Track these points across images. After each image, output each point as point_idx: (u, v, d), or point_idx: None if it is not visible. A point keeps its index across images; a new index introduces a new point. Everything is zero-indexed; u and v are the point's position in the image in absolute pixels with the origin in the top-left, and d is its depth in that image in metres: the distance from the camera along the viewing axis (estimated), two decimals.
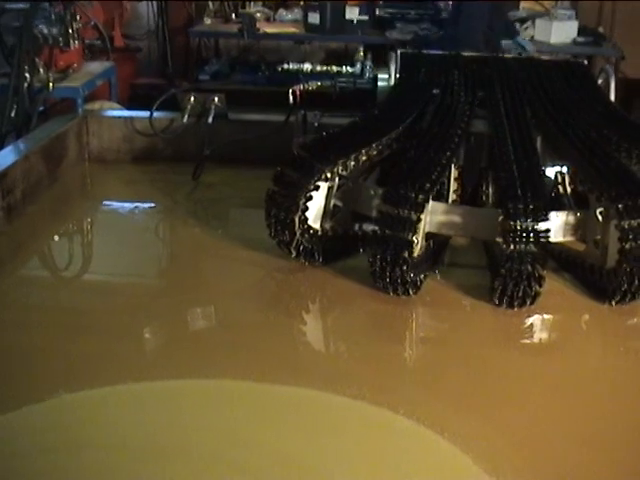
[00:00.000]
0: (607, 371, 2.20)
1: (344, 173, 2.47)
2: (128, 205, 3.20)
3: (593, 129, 2.64)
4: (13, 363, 2.00)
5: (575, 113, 2.74)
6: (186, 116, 3.48)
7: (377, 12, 6.94)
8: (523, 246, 2.24)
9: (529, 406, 1.95)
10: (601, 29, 7.57)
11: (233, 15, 7.31)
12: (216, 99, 3.49)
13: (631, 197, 2.31)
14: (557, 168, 2.71)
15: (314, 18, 6.65)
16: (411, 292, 2.36)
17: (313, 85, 3.15)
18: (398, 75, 2.87)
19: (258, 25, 6.73)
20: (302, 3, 7.20)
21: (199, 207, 3.18)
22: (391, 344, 2.23)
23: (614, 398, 2.03)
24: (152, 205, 3.22)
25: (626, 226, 2.29)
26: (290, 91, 3.16)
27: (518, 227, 2.23)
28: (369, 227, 2.65)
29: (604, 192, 2.35)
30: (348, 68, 3.09)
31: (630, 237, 2.29)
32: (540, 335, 2.38)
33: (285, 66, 3.23)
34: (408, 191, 2.24)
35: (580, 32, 7.21)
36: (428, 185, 2.27)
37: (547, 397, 2.00)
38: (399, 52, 3.04)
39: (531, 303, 2.33)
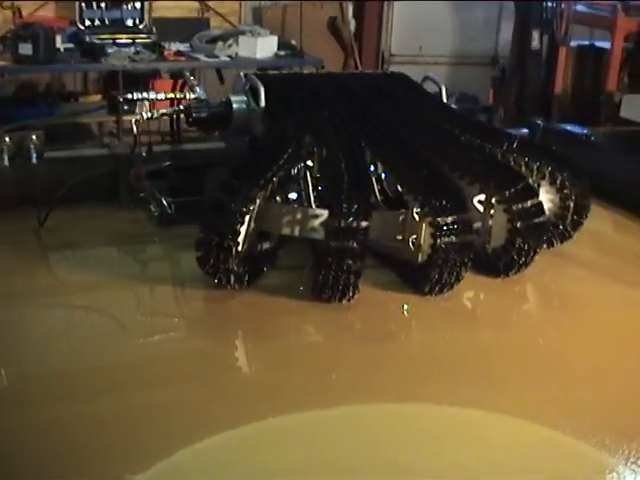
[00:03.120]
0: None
1: (264, 194, 2.49)
2: None
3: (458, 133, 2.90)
4: None
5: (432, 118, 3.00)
6: (6, 158, 3.24)
7: (87, 39, 6.81)
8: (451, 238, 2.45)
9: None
10: (293, 42, 7.99)
11: None
12: (34, 137, 3.29)
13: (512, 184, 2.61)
14: None
15: (26, 49, 6.37)
16: (353, 296, 2.47)
17: (157, 114, 3.08)
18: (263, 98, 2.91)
19: None
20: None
21: (64, 253, 2.99)
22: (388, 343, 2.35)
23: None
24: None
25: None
26: (133, 121, 3.07)
27: (444, 222, 2.44)
28: (266, 245, 2.70)
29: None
30: (190, 94, 3.06)
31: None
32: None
33: (129, 96, 3.12)
34: (354, 203, 2.33)
35: (279, 46, 7.58)
36: (366, 194, 2.39)
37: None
38: (243, 74, 3.09)
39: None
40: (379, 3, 9.29)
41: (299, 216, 2.56)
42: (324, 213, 2.50)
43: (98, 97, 7.35)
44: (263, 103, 2.89)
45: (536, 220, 2.68)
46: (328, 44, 8.97)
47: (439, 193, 2.53)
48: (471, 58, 10.12)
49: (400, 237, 2.71)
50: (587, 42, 8.08)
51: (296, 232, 2.59)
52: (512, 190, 2.65)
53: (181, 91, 3.32)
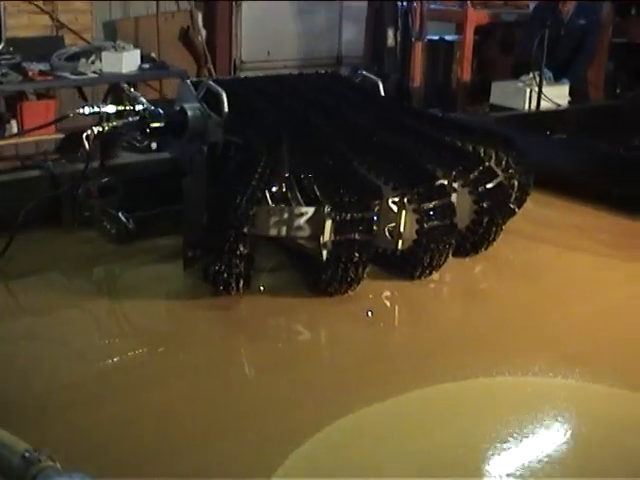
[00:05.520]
0: None
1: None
2: None
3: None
4: None
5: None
6: None
7: None
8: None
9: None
10: (153, 54, 7.92)
11: None
12: None
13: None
14: None
15: None
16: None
17: (108, 126, 3.02)
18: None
19: None
20: None
21: (35, 279, 2.88)
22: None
23: None
24: None
25: None
26: (84, 135, 2.99)
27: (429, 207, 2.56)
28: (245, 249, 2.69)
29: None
30: (137, 107, 3.03)
31: None
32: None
33: (80, 111, 3.04)
34: (356, 195, 2.42)
35: (142, 59, 7.50)
36: (362, 185, 2.50)
37: None
38: (191, 82, 3.10)
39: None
40: (228, 13, 9.34)
41: (286, 216, 2.60)
42: (310, 210, 2.56)
43: None
44: (226, 109, 2.91)
45: (500, 198, 2.85)
46: (181, 54, 8.95)
47: (418, 181, 2.65)
48: (317, 60, 10.33)
49: (375, 228, 2.77)
50: (436, 37, 8.46)
51: (283, 232, 2.62)
52: (476, 173, 2.80)
53: (119, 104, 3.27)
